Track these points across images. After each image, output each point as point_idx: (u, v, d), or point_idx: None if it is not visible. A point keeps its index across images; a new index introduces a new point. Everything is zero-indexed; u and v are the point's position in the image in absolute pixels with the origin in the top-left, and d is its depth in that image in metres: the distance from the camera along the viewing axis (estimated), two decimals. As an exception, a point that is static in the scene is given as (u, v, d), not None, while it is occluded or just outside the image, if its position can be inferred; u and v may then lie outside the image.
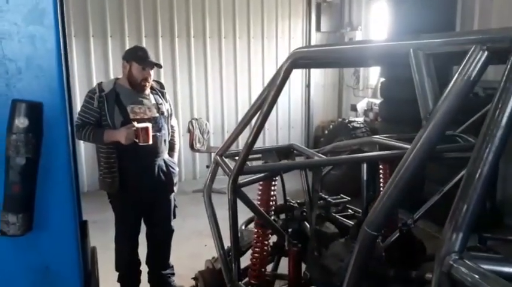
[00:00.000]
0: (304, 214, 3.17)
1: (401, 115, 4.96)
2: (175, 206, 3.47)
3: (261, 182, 2.75)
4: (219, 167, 2.58)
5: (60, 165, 1.10)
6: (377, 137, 3.09)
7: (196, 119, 6.13)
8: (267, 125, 7.46)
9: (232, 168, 2.29)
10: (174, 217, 3.46)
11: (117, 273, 3.37)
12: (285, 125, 7.43)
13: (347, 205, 3.51)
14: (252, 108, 2.22)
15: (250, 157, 2.80)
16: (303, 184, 2.84)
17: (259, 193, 2.82)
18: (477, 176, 0.82)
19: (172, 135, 3.45)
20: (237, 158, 2.62)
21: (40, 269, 1.12)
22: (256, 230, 2.84)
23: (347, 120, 5.66)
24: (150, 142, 3.05)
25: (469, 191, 0.83)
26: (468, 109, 3.31)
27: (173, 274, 3.54)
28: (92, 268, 1.26)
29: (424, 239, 3.23)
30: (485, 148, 0.82)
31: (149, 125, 3.07)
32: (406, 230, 2.98)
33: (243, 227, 3.36)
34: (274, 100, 1.84)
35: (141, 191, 3.19)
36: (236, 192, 2.24)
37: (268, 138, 7.13)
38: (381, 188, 3.23)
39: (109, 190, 3.12)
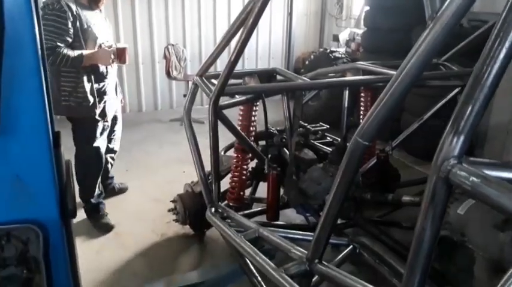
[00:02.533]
0: (284, 140, 3.16)
1: (384, 45, 4.87)
2: None
3: (241, 107, 2.68)
4: (199, 89, 2.47)
5: (27, 64, 0.99)
6: (360, 63, 3.02)
7: (173, 45, 5.84)
8: (246, 55, 7.24)
9: (213, 89, 2.19)
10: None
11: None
12: (264, 55, 7.22)
13: (325, 133, 3.53)
14: (234, 25, 2.09)
15: (231, 80, 2.71)
16: (284, 110, 2.79)
17: (240, 117, 2.76)
18: (486, 75, 0.76)
19: None
20: (214, 81, 2.53)
21: (10, 178, 1.05)
22: (236, 155, 2.83)
23: (329, 50, 5.51)
24: (127, 62, 3.04)
25: (476, 92, 0.78)
26: (453, 39, 3.27)
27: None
28: (67, 181, 1.19)
29: (399, 169, 3.30)
30: (498, 45, 0.75)
31: (127, 45, 3.04)
32: (383, 156, 3.02)
33: (222, 153, 3.34)
34: (260, 12, 1.72)
35: (111, 109, 3.18)
36: (217, 114, 2.17)
37: (247, 68, 6.95)
38: (361, 116, 3.23)
39: (88, 114, 2.98)
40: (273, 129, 3.18)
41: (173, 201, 3.09)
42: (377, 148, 3.21)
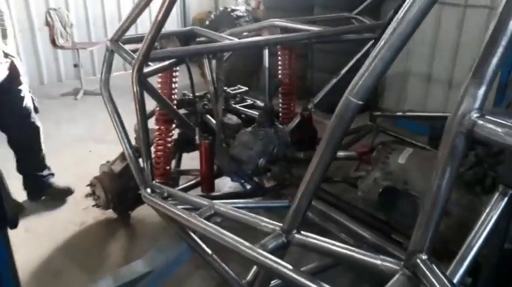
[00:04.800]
0: (206, 106, 3.00)
1: (286, 2, 4.83)
2: (33, 99, 2.96)
3: (161, 74, 2.44)
4: (114, 56, 2.17)
5: None
6: (278, 21, 2.93)
7: (55, 9, 5.13)
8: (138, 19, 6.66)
9: (134, 55, 1.93)
10: (37, 112, 2.98)
11: None
12: (158, 18, 6.74)
13: (244, 96, 3.43)
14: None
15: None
16: (207, 73, 2.60)
17: (160, 85, 2.52)
18: (511, 19, 0.72)
19: (1, 20, 2.79)
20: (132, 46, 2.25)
21: None
22: (158, 127, 2.60)
23: (229, 9, 5.32)
24: None
25: (499, 38, 0.73)
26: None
27: (52, 175, 3.16)
28: (1, 187, 0.93)
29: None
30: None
31: None
32: (307, 114, 3.04)
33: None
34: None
35: None
36: (142, 83, 1.92)
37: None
38: (279, 75, 3.18)
39: None
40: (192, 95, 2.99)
41: (90, 185, 2.78)
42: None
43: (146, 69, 1.96)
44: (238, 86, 3.46)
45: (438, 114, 2.87)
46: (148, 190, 2.00)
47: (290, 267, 1.14)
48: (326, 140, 1.05)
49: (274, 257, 1.19)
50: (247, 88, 3.43)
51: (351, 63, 3.07)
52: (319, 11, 4.66)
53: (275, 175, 2.60)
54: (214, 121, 2.80)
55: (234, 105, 3.22)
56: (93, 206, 2.78)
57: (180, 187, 2.45)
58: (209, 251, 1.82)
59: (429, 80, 4.63)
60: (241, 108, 3.20)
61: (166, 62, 2.14)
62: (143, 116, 1.97)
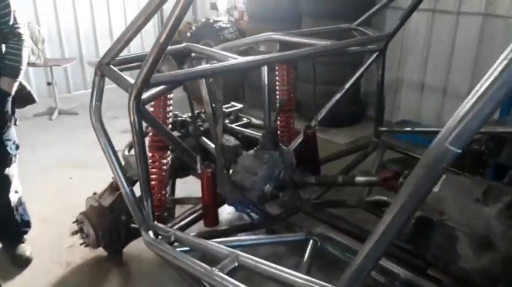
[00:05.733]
0: (202, 128, 2.77)
1: (272, 10, 4.64)
2: (11, 155, 2.44)
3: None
4: (104, 80, 1.90)
5: None
6: (276, 34, 2.72)
7: (24, 24, 4.77)
8: (114, 32, 6.36)
9: (130, 80, 1.68)
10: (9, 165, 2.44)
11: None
12: (135, 30, 6.44)
13: (239, 114, 3.22)
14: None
15: (126, 66, 2.19)
16: (205, 94, 2.38)
17: (153, 109, 2.28)
18: None
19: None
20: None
21: None
22: (151, 153, 2.35)
23: (212, 20, 5.10)
24: None
25: None
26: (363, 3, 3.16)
27: (25, 232, 2.67)
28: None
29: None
30: None
31: None
32: (311, 133, 2.82)
33: (126, 153, 2.79)
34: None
35: None
36: (141, 111, 1.67)
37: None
38: (277, 91, 2.96)
39: None
40: (185, 116, 2.75)
41: (77, 222, 2.48)
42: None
43: (144, 96, 1.70)
44: (232, 103, 3.25)
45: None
46: (151, 234, 1.73)
47: None
48: (408, 192, 0.83)
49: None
50: (241, 105, 3.22)
51: (354, 77, 2.89)
52: (307, 21, 4.49)
53: (284, 202, 2.37)
54: (211, 144, 2.57)
55: (229, 125, 3.01)
56: (81, 244, 2.48)
57: (179, 223, 2.18)
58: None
59: (423, 88, 4.52)
60: (238, 128, 2.98)
61: (164, 86, 1.88)
62: (142, 148, 1.72)
